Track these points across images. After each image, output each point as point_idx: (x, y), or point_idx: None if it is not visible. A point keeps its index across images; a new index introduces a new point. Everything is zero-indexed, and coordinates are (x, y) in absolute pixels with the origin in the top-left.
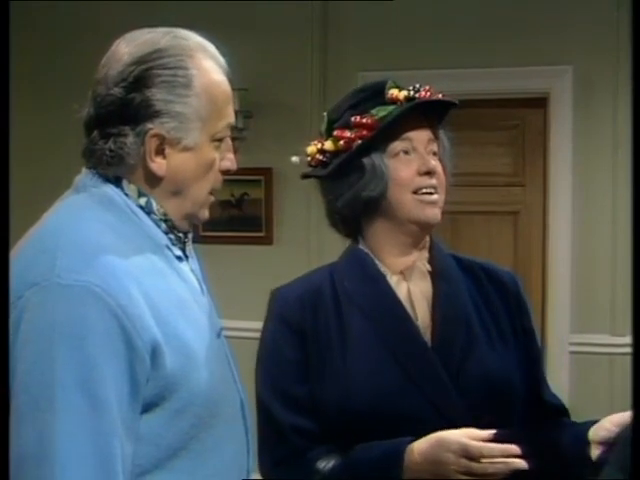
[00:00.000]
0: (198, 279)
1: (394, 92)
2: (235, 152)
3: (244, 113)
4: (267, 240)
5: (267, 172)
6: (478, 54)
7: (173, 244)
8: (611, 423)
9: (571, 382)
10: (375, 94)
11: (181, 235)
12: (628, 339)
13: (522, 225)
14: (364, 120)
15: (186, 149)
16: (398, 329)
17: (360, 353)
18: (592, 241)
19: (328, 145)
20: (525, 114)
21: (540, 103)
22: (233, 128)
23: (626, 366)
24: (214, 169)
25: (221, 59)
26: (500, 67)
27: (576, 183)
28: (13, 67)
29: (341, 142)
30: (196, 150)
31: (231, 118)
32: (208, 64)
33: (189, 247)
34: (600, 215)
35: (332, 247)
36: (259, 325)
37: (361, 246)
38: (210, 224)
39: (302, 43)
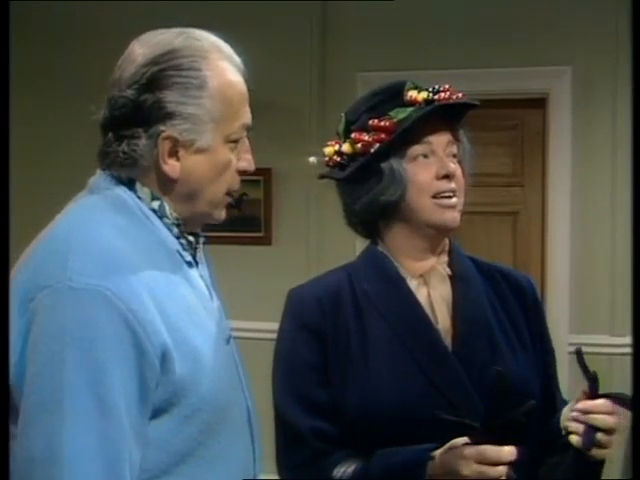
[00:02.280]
0: (207, 285)
1: (413, 94)
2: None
3: None
4: (266, 240)
5: (266, 172)
6: (478, 54)
7: (184, 249)
8: (568, 409)
9: (570, 382)
10: (393, 96)
11: (192, 240)
12: (627, 339)
13: (521, 225)
14: (382, 123)
15: (200, 151)
16: (419, 333)
17: (381, 357)
18: (591, 241)
19: (346, 147)
20: (524, 114)
21: (539, 103)
22: (250, 128)
23: (626, 366)
24: (230, 170)
25: (237, 59)
26: (500, 67)
27: (575, 183)
28: (13, 67)
29: (359, 145)
30: (210, 152)
31: (247, 119)
32: (223, 64)
33: (200, 253)
34: (599, 215)
35: (331, 247)
36: (259, 325)
37: (379, 248)
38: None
39: (302, 43)
